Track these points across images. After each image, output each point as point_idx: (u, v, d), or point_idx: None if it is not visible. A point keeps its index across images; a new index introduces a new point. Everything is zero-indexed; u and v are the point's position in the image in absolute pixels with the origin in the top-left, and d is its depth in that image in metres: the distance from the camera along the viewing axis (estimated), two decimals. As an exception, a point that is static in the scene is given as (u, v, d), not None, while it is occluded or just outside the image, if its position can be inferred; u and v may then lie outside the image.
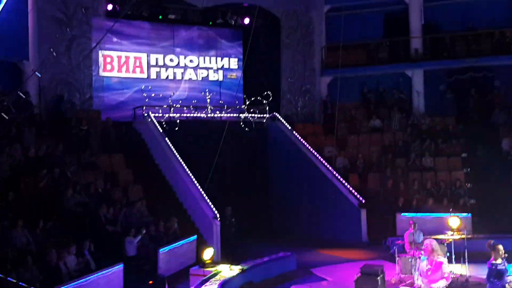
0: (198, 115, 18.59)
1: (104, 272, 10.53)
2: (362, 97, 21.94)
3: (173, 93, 18.96)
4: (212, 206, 14.72)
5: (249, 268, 11.75)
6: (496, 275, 7.91)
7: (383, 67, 21.27)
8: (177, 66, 20.35)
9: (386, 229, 16.05)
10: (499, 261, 7.96)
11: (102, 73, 18.77)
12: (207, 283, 10.35)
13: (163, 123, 17.14)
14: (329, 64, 21.36)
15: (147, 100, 18.34)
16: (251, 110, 19.31)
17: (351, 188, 17.15)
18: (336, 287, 11.88)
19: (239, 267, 11.65)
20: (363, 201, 16.73)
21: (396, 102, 21.20)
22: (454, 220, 12.41)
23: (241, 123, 18.50)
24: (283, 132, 19.34)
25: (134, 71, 19.47)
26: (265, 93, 19.35)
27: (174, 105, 18.11)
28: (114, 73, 19.05)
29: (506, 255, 7.99)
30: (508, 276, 8.02)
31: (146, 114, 17.29)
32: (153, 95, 18.69)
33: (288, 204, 18.87)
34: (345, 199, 17.08)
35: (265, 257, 12.71)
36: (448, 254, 11.44)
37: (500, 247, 8.03)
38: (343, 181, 17.40)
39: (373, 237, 16.27)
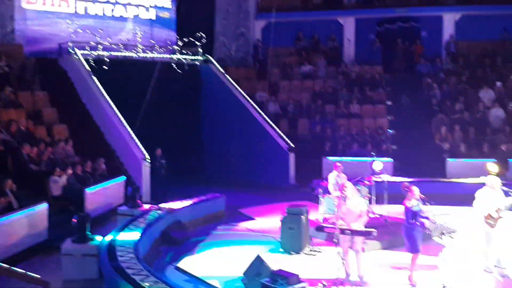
0: (129, 54, 17.99)
1: (27, 211, 10.27)
2: (296, 43, 22.03)
3: (102, 30, 18.14)
4: (141, 147, 14.57)
5: (177, 208, 11.87)
6: (411, 216, 8.44)
7: (317, 13, 21.39)
8: (107, 2, 19.41)
9: (313, 173, 16.62)
10: (414, 202, 8.48)
11: (24, 5, 17.58)
12: (135, 223, 10.38)
13: (91, 61, 16.47)
14: (264, 8, 21.17)
15: (74, 36, 17.48)
16: (184, 51, 18.91)
17: (281, 133, 17.49)
18: (262, 226, 12.25)
19: (168, 207, 11.74)
20: (292, 146, 17.14)
21: (329, 50, 21.51)
22: (376, 164, 12.99)
23: (173, 64, 18.14)
24: (216, 75, 19.19)
25: (59, 5, 18.39)
26: (199, 34, 18.96)
27: (103, 42, 17.37)
28: (38, 6, 17.90)
29: (423, 196, 8.50)
30: (422, 216, 8.57)
31: (72, 51, 16.53)
32: (80, 31, 17.81)
33: (220, 147, 19.00)
34: (275, 144, 17.43)
35: (195, 197, 12.85)
36: (369, 195, 12.07)
37: (415, 189, 8.54)
38: (274, 126, 17.70)
39: (301, 180, 16.83)
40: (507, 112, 17.34)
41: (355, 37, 21.35)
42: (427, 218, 8.52)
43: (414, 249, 8.45)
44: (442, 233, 8.44)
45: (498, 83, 18.22)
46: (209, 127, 19.47)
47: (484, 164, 14.32)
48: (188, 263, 9.67)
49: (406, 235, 8.51)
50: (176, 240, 11.02)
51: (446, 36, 20.72)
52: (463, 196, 12.55)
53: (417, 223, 8.41)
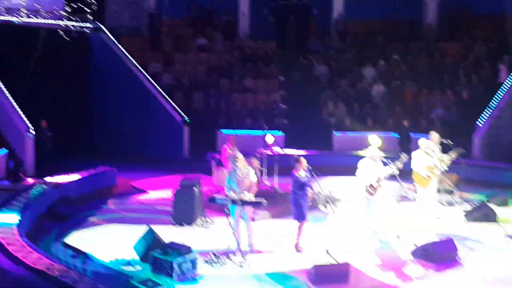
0: (11, 19, 16.65)
1: None
2: (190, 14, 21.72)
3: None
4: (25, 118, 13.70)
5: (64, 182, 11.40)
6: (299, 186, 8.82)
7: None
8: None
9: (207, 145, 16.71)
10: (302, 173, 8.86)
11: None
12: (18, 198, 9.84)
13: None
14: (158, -23, 20.56)
15: None
16: (72, 18, 17.87)
17: (175, 106, 17.30)
18: (154, 199, 12.15)
19: (54, 181, 11.24)
20: (187, 119, 17.05)
21: (224, 23, 21.47)
22: (268, 138, 13.36)
23: (60, 31, 17.11)
24: (107, 45, 18.41)
25: None
26: (88, 0, 17.99)
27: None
28: None
29: (310, 167, 8.89)
30: (309, 186, 8.99)
31: None
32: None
33: (111, 120, 18.41)
34: (169, 116, 17.23)
35: (83, 171, 12.40)
36: (261, 167, 12.40)
37: (303, 160, 8.92)
38: (168, 99, 17.45)
39: (195, 153, 16.85)
40: (390, 89, 18.53)
41: (249, 11, 21.47)
42: (312, 188, 8.95)
43: (300, 217, 8.87)
44: (327, 202, 8.92)
45: (382, 62, 19.34)
46: (99, 99, 18.74)
47: (367, 137, 15.35)
48: (76, 239, 9.36)
49: (293, 203, 8.89)
50: (63, 215, 10.61)
51: (335, 14, 21.50)
52: (348, 168, 13.33)
53: (304, 192, 8.81)
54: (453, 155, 10.62)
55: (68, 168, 12.70)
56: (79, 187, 11.93)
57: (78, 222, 10.41)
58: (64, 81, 16.98)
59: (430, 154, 10.67)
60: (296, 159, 8.99)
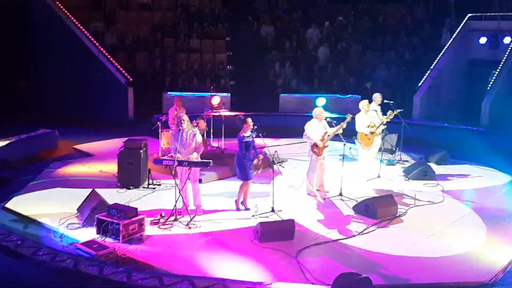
0: None
1: None
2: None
3: None
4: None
5: (1, 146, 10.97)
6: (245, 146, 8.88)
7: None
8: None
9: (153, 107, 16.46)
10: (247, 133, 8.91)
11: None
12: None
13: None
14: None
15: None
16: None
17: (119, 66, 16.82)
18: (99, 162, 11.93)
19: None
20: (131, 80, 16.65)
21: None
22: (215, 99, 13.28)
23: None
24: (44, 2, 17.56)
25: None
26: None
27: None
28: None
29: (256, 127, 8.93)
30: (254, 147, 9.05)
31: None
32: None
33: (51, 81, 17.76)
34: (113, 77, 16.77)
35: (22, 134, 11.96)
36: (207, 128, 12.36)
37: (249, 120, 8.95)
38: (111, 59, 16.93)
39: (140, 115, 16.57)
40: (336, 51, 18.69)
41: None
42: (256, 148, 9.02)
43: (244, 177, 8.96)
44: (274, 162, 9.03)
45: (326, 23, 19.41)
46: (37, 59, 17.96)
47: (312, 99, 15.56)
48: (17, 203, 9.10)
49: (238, 163, 8.95)
50: (3, 179, 10.26)
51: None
52: (294, 129, 13.55)
53: (249, 152, 8.88)
54: (391, 115, 10.94)
55: (7, 131, 12.22)
56: (19, 150, 11.52)
57: (19, 186, 10.09)
58: (-1, 42, 16.18)
59: (372, 114, 10.98)
60: (242, 120, 9.01)
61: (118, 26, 18.97)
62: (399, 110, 11.12)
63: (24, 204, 9.09)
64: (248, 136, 8.89)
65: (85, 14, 18.62)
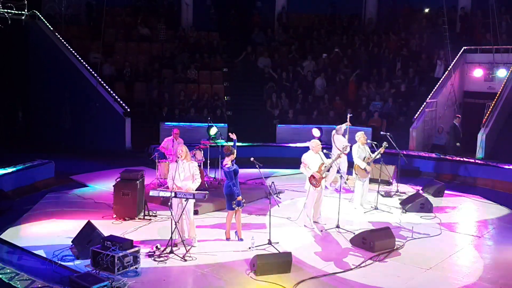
0: None
1: None
2: (132, 3, 21.28)
3: None
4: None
5: (-1, 175, 10.96)
6: (230, 177, 8.82)
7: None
8: None
9: (150, 138, 16.50)
10: (229, 163, 8.87)
11: None
12: None
13: None
14: (97, -37, 19.97)
15: None
16: (7, 4, 17.06)
17: (116, 97, 16.93)
18: (94, 193, 11.87)
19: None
20: (129, 110, 16.73)
21: (167, 13, 21.14)
22: (212, 129, 13.33)
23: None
24: (44, 33, 17.80)
25: None
26: (23, -14, 17.23)
27: None
28: None
29: (234, 153, 8.85)
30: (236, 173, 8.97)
31: None
32: None
33: (49, 111, 17.83)
34: (110, 108, 16.85)
35: (19, 164, 11.94)
36: (204, 159, 12.37)
37: (235, 152, 8.95)
38: (109, 89, 17.05)
39: (137, 146, 16.59)
40: (334, 82, 18.87)
41: (193, 1, 21.29)
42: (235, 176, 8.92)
43: (229, 207, 8.90)
44: (270, 194, 9.00)
45: (324, 55, 19.68)
46: (36, 89, 18.08)
47: (309, 130, 15.62)
48: (11, 234, 9.02)
49: (227, 193, 8.89)
50: (-2, 210, 10.19)
51: (278, 7, 21.71)
52: (291, 159, 13.57)
53: (236, 181, 8.84)
54: (381, 151, 10.95)
55: (3, 160, 12.19)
56: (15, 180, 11.47)
57: (14, 216, 10.01)
58: (-2, 71, 16.28)
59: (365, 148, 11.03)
60: (230, 151, 8.97)
61: (116, 56, 19.15)
62: (384, 146, 11.08)
63: (18, 235, 9.01)
64: (229, 165, 8.85)
65: (84, 45, 18.84)
